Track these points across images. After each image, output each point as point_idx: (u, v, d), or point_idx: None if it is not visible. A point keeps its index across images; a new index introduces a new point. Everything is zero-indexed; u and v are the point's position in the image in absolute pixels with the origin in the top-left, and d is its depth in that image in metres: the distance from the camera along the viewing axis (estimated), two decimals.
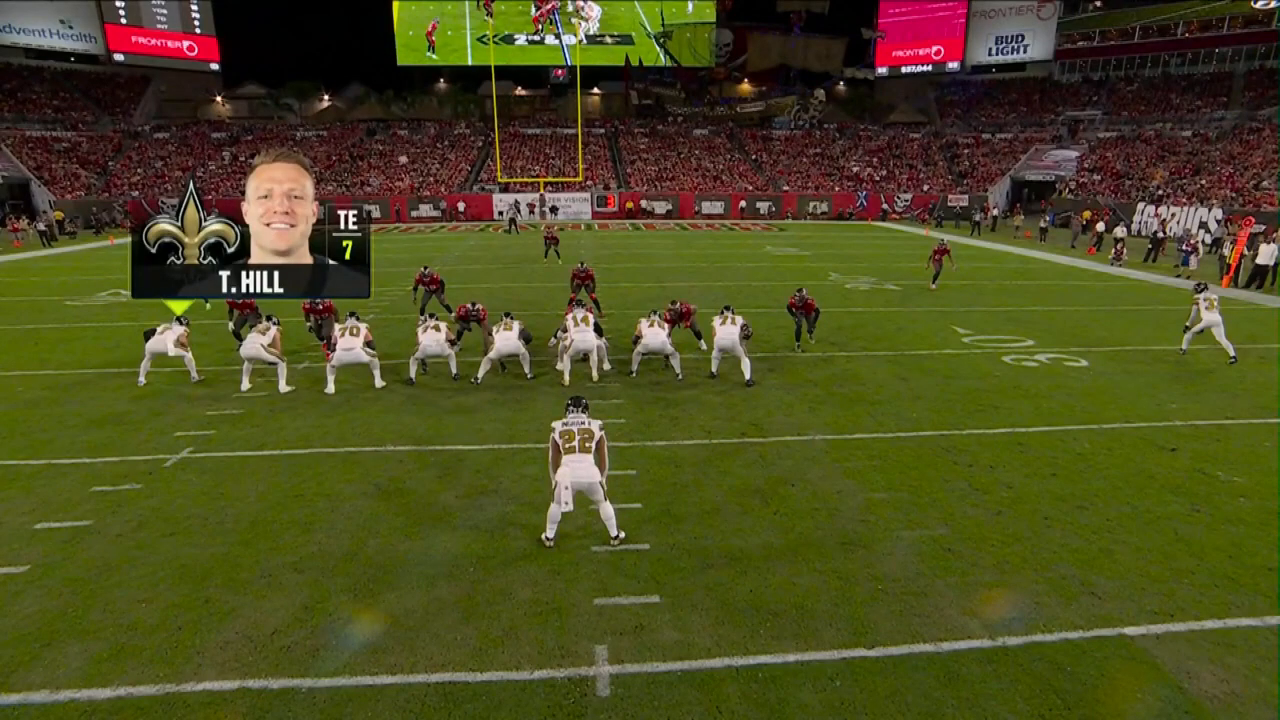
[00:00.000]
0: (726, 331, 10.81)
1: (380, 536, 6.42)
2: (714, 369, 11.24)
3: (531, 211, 44.88)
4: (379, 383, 10.70)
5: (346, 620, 5.29)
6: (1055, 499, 7.13)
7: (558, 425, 6.17)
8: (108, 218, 42.03)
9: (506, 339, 10.67)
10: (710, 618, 5.29)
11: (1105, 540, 6.32)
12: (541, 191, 45.83)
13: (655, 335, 10.86)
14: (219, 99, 62.08)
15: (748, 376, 10.84)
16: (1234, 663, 4.79)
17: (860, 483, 7.52)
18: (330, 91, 65.41)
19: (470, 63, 57.45)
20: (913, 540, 6.35)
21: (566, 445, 6.02)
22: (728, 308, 11.27)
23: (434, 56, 56.64)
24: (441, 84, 66.56)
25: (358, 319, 10.94)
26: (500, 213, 44.67)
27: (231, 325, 13.48)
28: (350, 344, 10.50)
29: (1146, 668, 4.72)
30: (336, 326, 10.88)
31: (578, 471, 5.95)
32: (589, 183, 47.56)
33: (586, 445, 6.02)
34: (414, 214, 45.08)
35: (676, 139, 54.67)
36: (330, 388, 10.48)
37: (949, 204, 45.18)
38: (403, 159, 50.26)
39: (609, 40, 56.44)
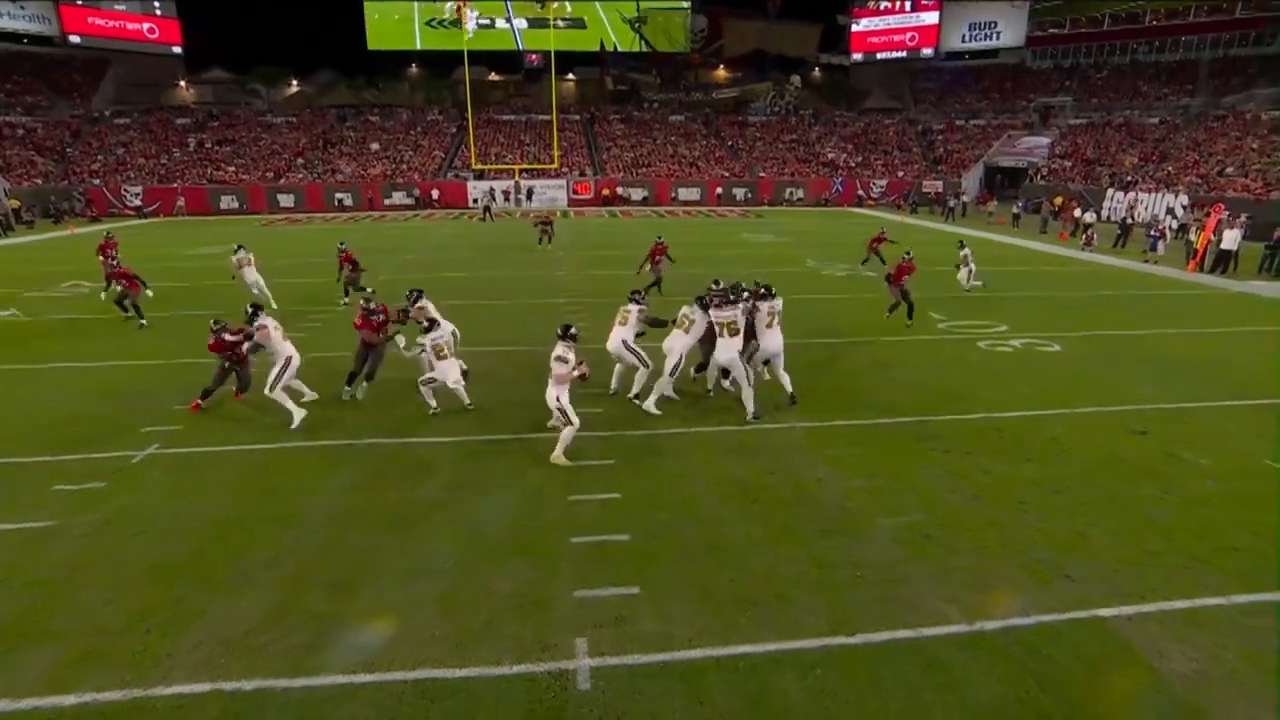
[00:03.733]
0: (775, 339, 9.01)
1: (356, 532, 6.33)
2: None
3: (507, 199, 44.44)
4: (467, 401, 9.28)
5: (322, 618, 5.20)
6: (1031, 484, 7.22)
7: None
8: (67, 206, 40.67)
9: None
10: (691, 608, 5.28)
11: (1080, 524, 6.42)
12: (517, 179, 45.38)
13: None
14: (183, 84, 60.25)
15: (788, 389, 9.31)
16: (1201, 641, 4.89)
17: (839, 470, 7.56)
18: (299, 77, 63.91)
19: (419, 47, 56.28)
20: (892, 527, 6.40)
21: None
22: (765, 290, 9.12)
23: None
24: (413, 69, 65.51)
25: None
26: (474, 200, 44.20)
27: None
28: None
29: (1119, 649, 4.81)
30: (429, 343, 8.93)
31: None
32: (565, 169, 47.20)
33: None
34: (387, 202, 44.37)
35: (652, 125, 54.40)
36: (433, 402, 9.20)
37: (924, 190, 45.55)
38: (375, 146, 49.29)
39: (561, 24, 55.49)
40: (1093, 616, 5.11)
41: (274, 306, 15.25)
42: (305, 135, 50.25)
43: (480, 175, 45.79)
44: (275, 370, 8.72)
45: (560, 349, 7.72)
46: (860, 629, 5.05)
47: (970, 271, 17.15)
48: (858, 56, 61.95)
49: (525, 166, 46.73)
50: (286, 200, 43.35)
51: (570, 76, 65.05)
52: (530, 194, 45.04)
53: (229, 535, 6.26)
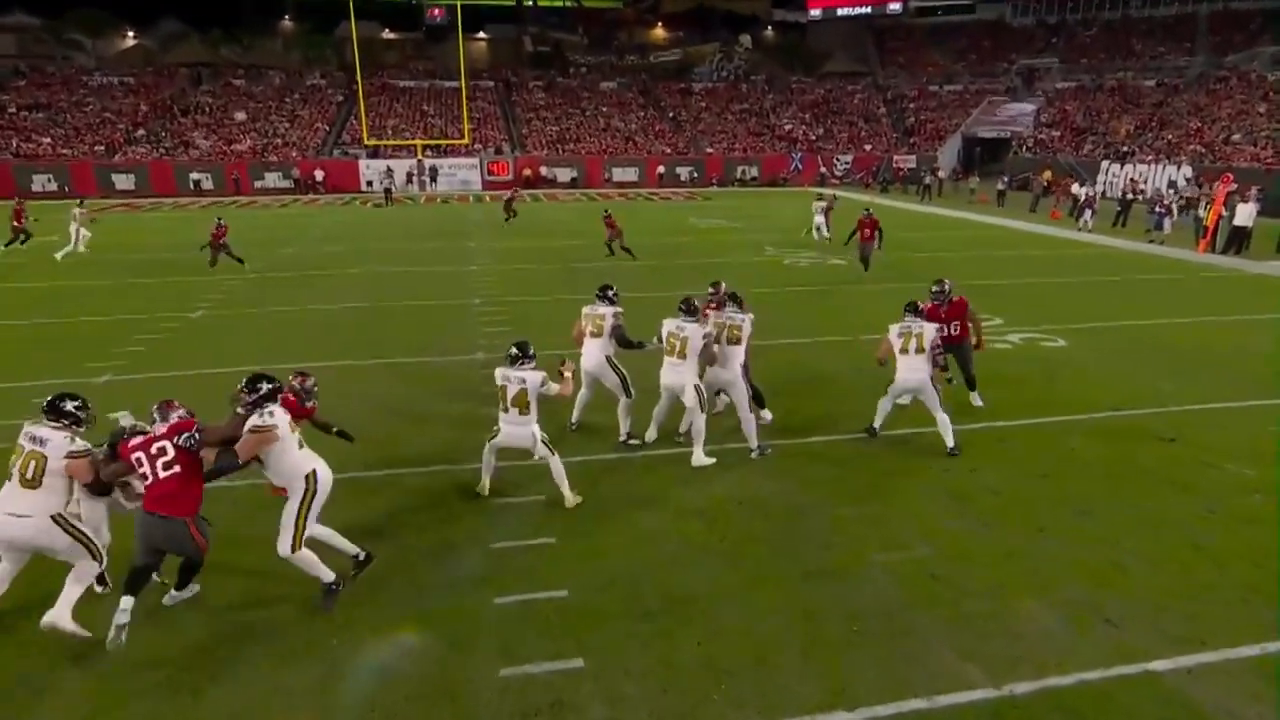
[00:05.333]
0: (913, 369, 8.18)
1: (207, 612, 5.68)
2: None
3: (409, 181, 43.42)
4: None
5: None
6: (1049, 504, 7.07)
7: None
8: None
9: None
10: (649, 684, 4.85)
11: (1113, 552, 6.26)
12: (419, 157, 44.44)
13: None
14: None
15: (950, 443, 8.17)
16: None
17: (822, 496, 7.26)
18: (136, 27, 59.90)
19: None
20: (890, 565, 6.11)
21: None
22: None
23: None
24: (286, 22, 63.59)
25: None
26: (369, 183, 43.16)
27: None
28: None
29: (1185, 713, 4.58)
30: None
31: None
32: (477, 146, 46.47)
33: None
34: (258, 184, 42.72)
35: (580, 94, 54.18)
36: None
37: (894, 165, 46.52)
38: (240, 115, 47.53)
39: None
40: (1145, 672, 4.88)
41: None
42: (146, 100, 47.89)
43: (375, 153, 44.74)
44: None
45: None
46: (862, 700, 4.71)
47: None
48: (815, 13, 63.23)
49: (429, 142, 45.84)
50: (124, 181, 41.14)
51: (481, 35, 64.37)
52: (435, 175, 44.15)
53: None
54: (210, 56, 57.41)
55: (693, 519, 6.90)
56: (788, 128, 51.27)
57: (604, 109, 52.25)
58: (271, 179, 43.07)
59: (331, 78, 53.14)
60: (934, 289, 9.48)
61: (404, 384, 10.69)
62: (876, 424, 8.67)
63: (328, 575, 5.64)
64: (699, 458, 7.94)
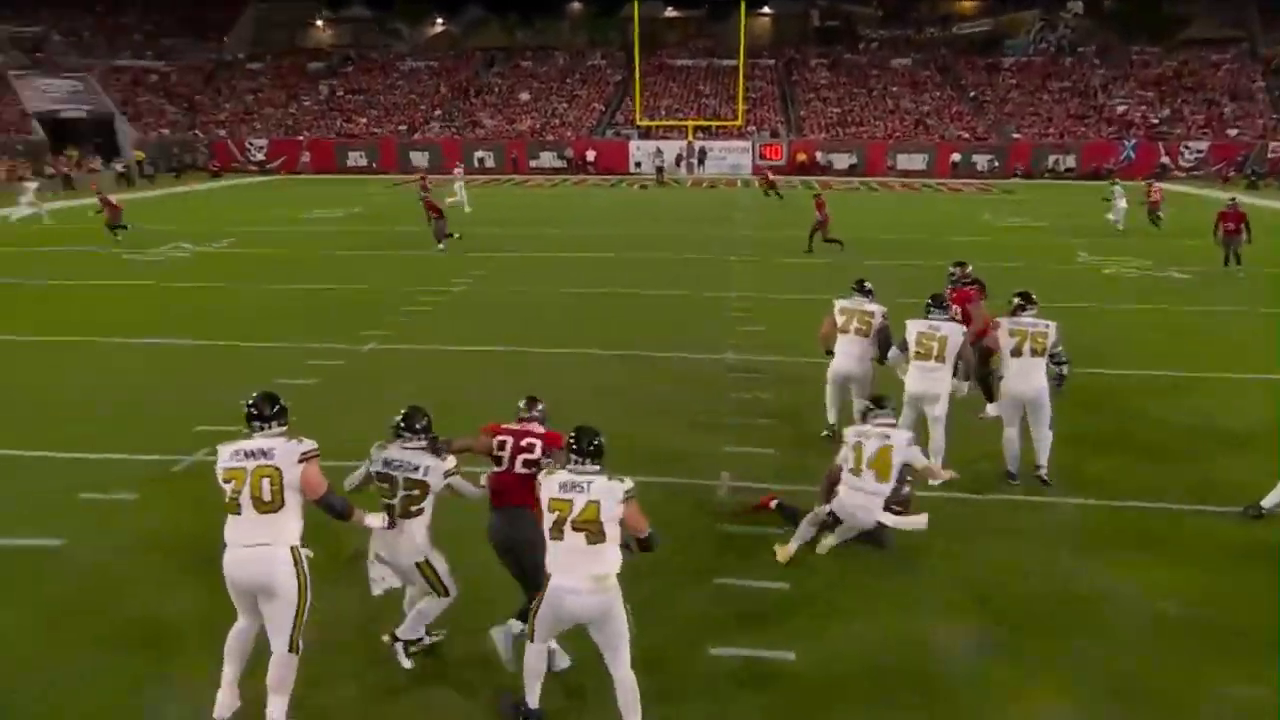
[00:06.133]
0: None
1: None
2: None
3: (677, 164, 44.26)
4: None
5: None
6: None
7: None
8: (189, 159, 45.63)
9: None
10: None
11: None
12: (690, 139, 45.09)
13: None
14: (320, 24, 65.47)
15: (1043, 467, 7.46)
16: None
17: (1138, 583, 5.99)
18: (446, 14, 67.41)
19: None
20: (1249, 704, 4.80)
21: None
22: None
23: None
24: (576, 5, 67.51)
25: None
26: (637, 164, 44.59)
27: None
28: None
29: None
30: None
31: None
32: (750, 128, 46.27)
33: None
34: (533, 164, 45.65)
35: (868, 71, 52.20)
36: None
37: (1269, 155, 39.86)
38: (524, 96, 51.15)
39: None
40: None
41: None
42: (446, 82, 53.07)
43: (646, 133, 46.03)
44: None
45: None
46: None
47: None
48: None
49: (700, 123, 46.39)
50: (419, 158, 45.35)
51: (766, 11, 64.05)
52: (703, 157, 44.60)
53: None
54: (505, 40, 62.95)
55: (960, 589, 5.97)
56: (1121, 109, 45.80)
57: (893, 88, 49.91)
58: (546, 158, 45.88)
59: (611, 57, 55.41)
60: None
61: (644, 379, 10.60)
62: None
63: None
64: (938, 471, 6.67)
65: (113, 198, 22.68)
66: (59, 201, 29.57)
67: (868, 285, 8.27)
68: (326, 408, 9.07)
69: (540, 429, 5.12)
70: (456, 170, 31.04)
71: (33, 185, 27.38)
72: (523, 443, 5.01)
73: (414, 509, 4.82)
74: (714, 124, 46.25)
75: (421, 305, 14.41)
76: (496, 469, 5.04)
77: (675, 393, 10.10)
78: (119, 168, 39.52)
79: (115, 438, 8.55)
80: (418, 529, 4.86)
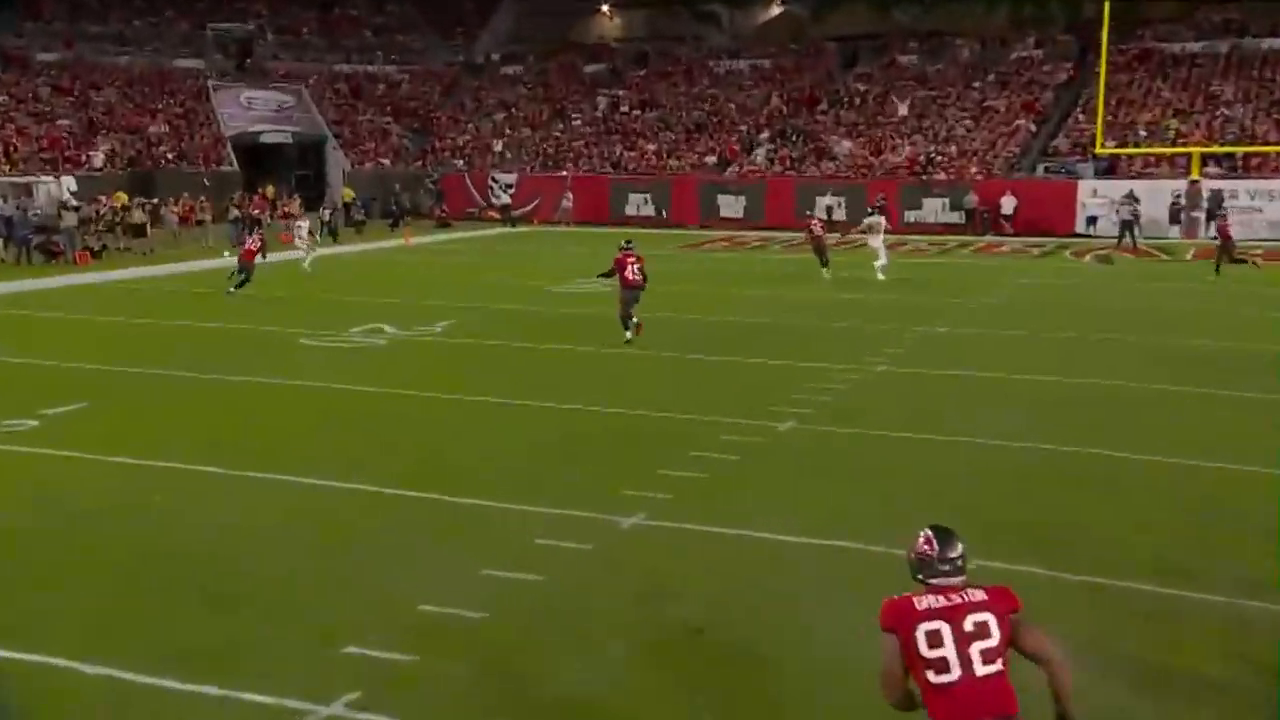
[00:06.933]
0: None
1: None
2: None
3: (1176, 218, 28.44)
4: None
5: None
6: None
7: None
8: (409, 204, 35.61)
9: None
10: None
11: None
12: (1196, 175, 28.73)
13: None
14: (605, 9, 48.36)
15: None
16: None
17: None
18: None
19: None
20: None
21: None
22: None
23: None
24: None
25: None
26: (1091, 219, 28.78)
27: None
28: None
29: None
30: None
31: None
32: None
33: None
34: (912, 215, 30.85)
35: None
36: None
37: None
38: (901, 110, 36.49)
39: None
40: None
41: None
42: (781, 91, 39.28)
43: (1111, 167, 30.66)
44: None
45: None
46: None
47: None
48: None
49: (1219, 150, 29.15)
50: (730, 206, 33.46)
51: None
52: (1220, 204, 27.40)
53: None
54: (876, 24, 43.07)
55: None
56: None
57: None
58: (931, 208, 31.07)
59: (1051, 45, 38.04)
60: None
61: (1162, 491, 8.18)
62: None
63: None
64: None
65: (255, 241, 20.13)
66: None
67: None
68: None
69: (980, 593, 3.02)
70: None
71: (304, 225, 24.28)
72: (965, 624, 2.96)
73: None
74: (1249, 150, 29.43)
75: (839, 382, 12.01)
76: None
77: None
78: (324, 214, 30.24)
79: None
80: None
